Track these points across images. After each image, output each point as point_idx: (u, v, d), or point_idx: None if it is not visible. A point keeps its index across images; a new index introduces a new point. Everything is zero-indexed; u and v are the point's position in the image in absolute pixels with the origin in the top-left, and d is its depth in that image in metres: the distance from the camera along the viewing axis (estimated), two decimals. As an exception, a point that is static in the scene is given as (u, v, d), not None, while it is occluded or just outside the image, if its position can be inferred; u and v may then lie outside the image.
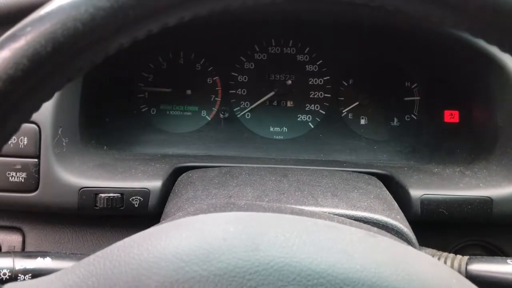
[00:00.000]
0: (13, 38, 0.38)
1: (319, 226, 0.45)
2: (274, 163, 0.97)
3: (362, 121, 1.18)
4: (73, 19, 0.37)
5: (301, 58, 1.18)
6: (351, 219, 0.68)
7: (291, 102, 1.19)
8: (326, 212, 0.69)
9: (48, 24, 0.37)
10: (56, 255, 0.67)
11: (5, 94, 0.37)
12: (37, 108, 0.41)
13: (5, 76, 0.37)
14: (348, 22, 1.08)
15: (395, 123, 1.18)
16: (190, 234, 0.42)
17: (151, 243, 0.41)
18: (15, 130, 0.41)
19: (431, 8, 0.40)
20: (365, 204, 0.73)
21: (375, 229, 0.67)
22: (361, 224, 0.67)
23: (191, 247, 0.39)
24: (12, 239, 0.89)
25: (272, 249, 0.39)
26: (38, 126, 0.82)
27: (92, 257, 0.42)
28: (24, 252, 0.67)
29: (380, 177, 0.93)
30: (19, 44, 0.37)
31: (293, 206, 0.66)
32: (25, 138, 0.81)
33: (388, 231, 0.69)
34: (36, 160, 0.81)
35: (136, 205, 0.83)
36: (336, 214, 0.68)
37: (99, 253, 0.43)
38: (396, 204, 0.79)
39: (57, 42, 0.37)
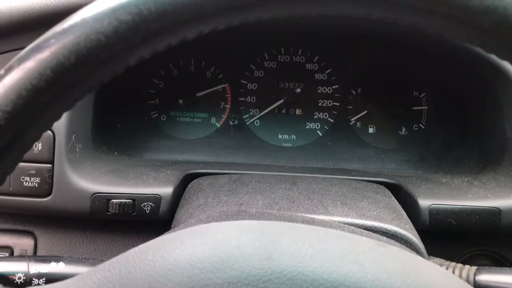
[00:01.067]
0: (37, 49, 0.39)
1: (331, 236, 0.46)
2: (282, 170, 0.98)
3: (370, 130, 1.19)
4: (96, 31, 0.38)
5: (310, 67, 1.19)
6: (360, 228, 0.69)
7: (300, 110, 1.20)
8: (336, 221, 0.70)
9: (72, 37, 0.38)
10: (69, 260, 0.68)
11: (29, 103, 0.38)
12: (58, 117, 0.42)
13: (30, 86, 0.38)
14: (357, 31, 1.09)
15: (403, 132, 1.18)
16: (204, 241, 0.42)
17: (166, 250, 0.42)
18: (36, 138, 0.42)
19: (444, 24, 0.41)
20: (375, 213, 0.74)
21: (385, 238, 0.68)
22: (371, 233, 0.67)
23: (206, 255, 0.40)
24: (24, 243, 0.90)
25: (285, 258, 0.40)
26: (53, 132, 0.83)
27: (107, 263, 0.43)
28: (38, 256, 0.68)
29: (388, 186, 0.93)
30: (44, 55, 0.38)
31: (304, 214, 0.66)
32: (40, 144, 0.82)
33: (397, 241, 0.70)
34: (50, 165, 0.83)
35: (148, 211, 0.84)
36: (346, 223, 0.69)
37: (114, 259, 0.43)
38: (404, 214, 0.80)
39: (80, 54, 0.38)
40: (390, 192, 0.89)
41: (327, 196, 0.79)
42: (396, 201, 0.85)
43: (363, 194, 0.82)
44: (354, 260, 0.41)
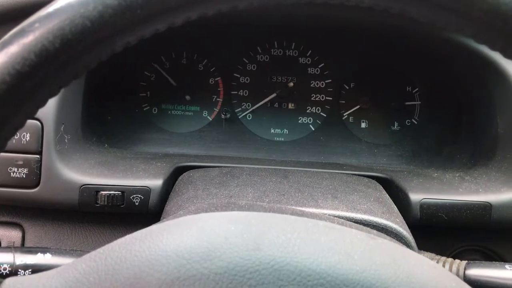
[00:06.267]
0: (21, 33, 0.38)
1: (320, 227, 0.46)
2: (274, 164, 0.97)
3: (363, 125, 1.19)
4: (82, 16, 0.37)
5: (303, 61, 1.19)
6: (351, 221, 0.68)
7: (292, 104, 1.20)
8: (326, 214, 0.69)
9: (57, 21, 0.37)
10: (56, 251, 0.67)
11: (13, 88, 0.38)
12: (43, 103, 0.41)
13: (13, 71, 0.37)
14: (350, 26, 1.09)
15: (395, 127, 1.18)
16: (192, 232, 0.42)
17: (152, 240, 0.41)
18: (20, 125, 0.41)
19: (436, 13, 0.40)
20: (365, 206, 0.74)
21: (375, 231, 0.68)
22: (361, 226, 0.67)
23: (193, 245, 0.40)
24: (12, 235, 0.89)
25: (273, 249, 0.39)
26: (41, 123, 0.82)
27: (93, 253, 0.42)
28: (24, 248, 0.67)
29: (380, 180, 0.93)
30: (27, 39, 0.37)
31: (294, 207, 0.66)
32: (28, 134, 0.81)
33: (387, 234, 0.70)
34: (38, 156, 0.82)
35: (137, 203, 0.83)
36: (336, 216, 0.69)
37: (100, 250, 0.43)
38: (395, 208, 0.79)
39: (65, 38, 0.37)
40: (381, 186, 0.89)
41: (317, 189, 0.79)
42: (387, 195, 0.85)
43: (354, 188, 0.82)
44: (343, 252, 0.41)
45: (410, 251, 0.50)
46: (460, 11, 0.39)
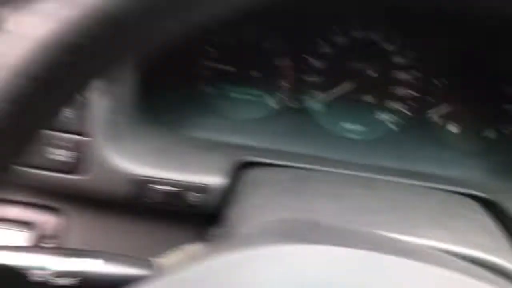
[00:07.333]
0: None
1: (437, 277, 0.37)
2: (351, 168, 0.83)
3: (453, 128, 1.02)
4: None
5: (389, 47, 1.03)
6: (463, 259, 0.54)
7: (372, 98, 1.04)
8: (433, 247, 0.55)
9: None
10: (109, 257, 0.56)
11: None
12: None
13: None
14: (450, 13, 0.92)
15: (491, 133, 1.01)
16: (283, 273, 0.33)
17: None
18: None
19: None
20: (478, 239, 0.59)
21: (492, 276, 0.53)
22: (475, 267, 0.53)
23: None
24: (52, 222, 0.79)
25: None
26: (90, 103, 0.70)
27: None
28: (72, 250, 0.55)
29: (478, 199, 0.78)
30: None
31: (396, 237, 0.52)
32: (75, 115, 0.69)
33: (506, 278, 0.55)
34: (85, 138, 0.70)
35: (193, 202, 0.71)
36: (445, 251, 0.54)
37: None
38: (504, 239, 0.64)
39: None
40: (481, 208, 0.74)
41: (413, 210, 0.64)
42: (492, 221, 0.69)
43: (457, 212, 0.67)
44: None
45: None
46: None
